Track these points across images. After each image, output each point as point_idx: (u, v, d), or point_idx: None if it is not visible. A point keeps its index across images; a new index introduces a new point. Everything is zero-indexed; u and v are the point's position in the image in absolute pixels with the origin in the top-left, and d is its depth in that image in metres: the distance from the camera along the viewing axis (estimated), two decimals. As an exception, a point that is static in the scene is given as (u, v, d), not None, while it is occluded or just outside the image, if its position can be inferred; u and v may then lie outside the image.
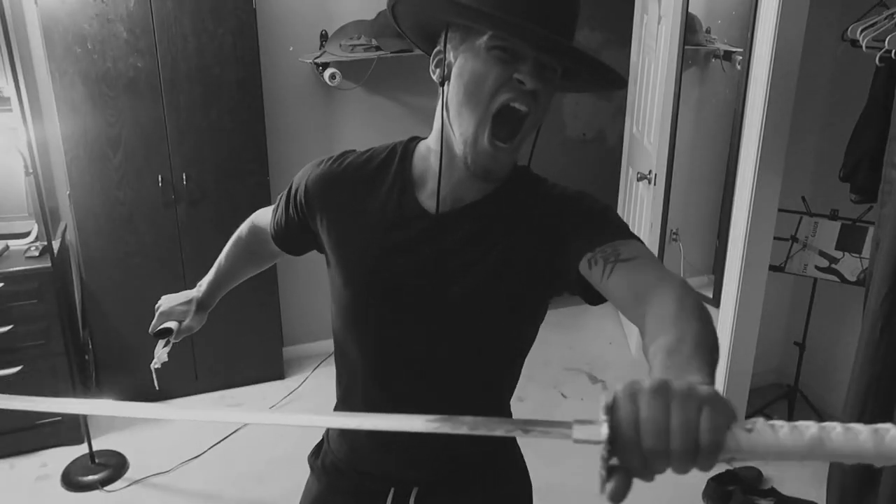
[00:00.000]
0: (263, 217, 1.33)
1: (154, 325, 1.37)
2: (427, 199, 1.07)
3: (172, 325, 1.38)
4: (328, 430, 1.29)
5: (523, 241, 1.04)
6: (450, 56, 1.01)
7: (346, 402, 1.22)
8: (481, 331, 1.09)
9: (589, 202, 1.05)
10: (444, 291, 1.05)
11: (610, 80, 1.03)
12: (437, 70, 1.03)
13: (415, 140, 1.13)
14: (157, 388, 1.45)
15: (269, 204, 3.22)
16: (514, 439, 1.29)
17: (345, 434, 1.22)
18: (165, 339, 1.37)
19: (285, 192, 1.22)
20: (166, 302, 1.39)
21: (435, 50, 1.04)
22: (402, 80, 3.52)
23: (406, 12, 1.05)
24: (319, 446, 1.33)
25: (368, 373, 1.15)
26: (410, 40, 1.12)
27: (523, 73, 0.94)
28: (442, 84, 1.02)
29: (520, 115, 0.97)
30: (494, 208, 1.06)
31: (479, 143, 0.97)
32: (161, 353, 1.39)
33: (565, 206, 1.05)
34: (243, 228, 1.38)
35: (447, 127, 1.03)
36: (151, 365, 1.37)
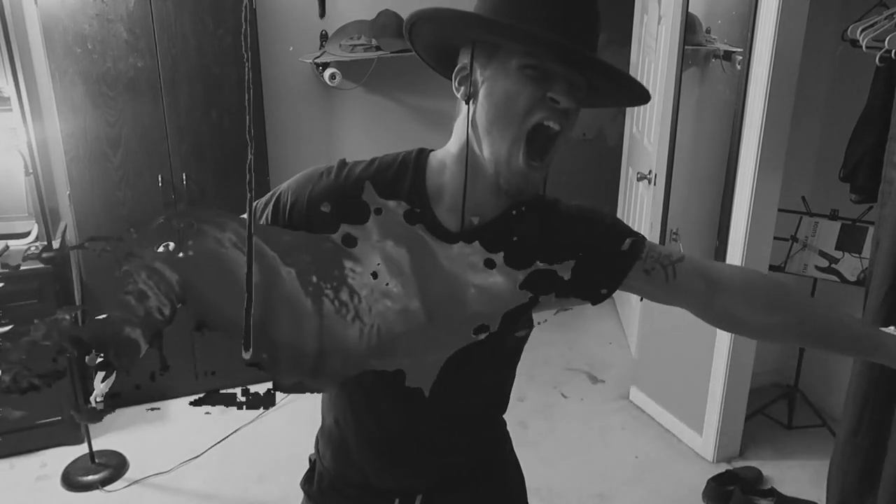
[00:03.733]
0: None
1: (93, 356, 1.18)
2: (445, 215, 1.04)
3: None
4: (323, 453, 1.26)
5: (546, 256, 1.04)
6: (476, 74, 0.99)
7: (345, 426, 1.19)
8: (500, 342, 1.09)
9: (600, 215, 1.12)
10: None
11: (636, 94, 1.03)
12: (462, 88, 1.01)
13: (424, 152, 1.10)
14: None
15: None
16: (509, 441, 1.32)
17: (346, 453, 1.20)
18: (108, 370, 1.13)
19: (269, 205, 1.11)
20: None
21: (458, 66, 1.02)
22: (401, 80, 3.52)
23: (426, 29, 1.02)
24: (311, 472, 1.30)
25: (375, 393, 1.13)
26: (421, 58, 1.09)
27: (557, 92, 0.94)
28: (467, 102, 1.00)
29: (552, 134, 0.97)
30: (514, 224, 1.06)
31: (512, 162, 0.97)
32: (102, 387, 1.17)
33: (584, 220, 1.10)
34: None
35: (473, 145, 1.01)
36: (91, 398, 1.20)
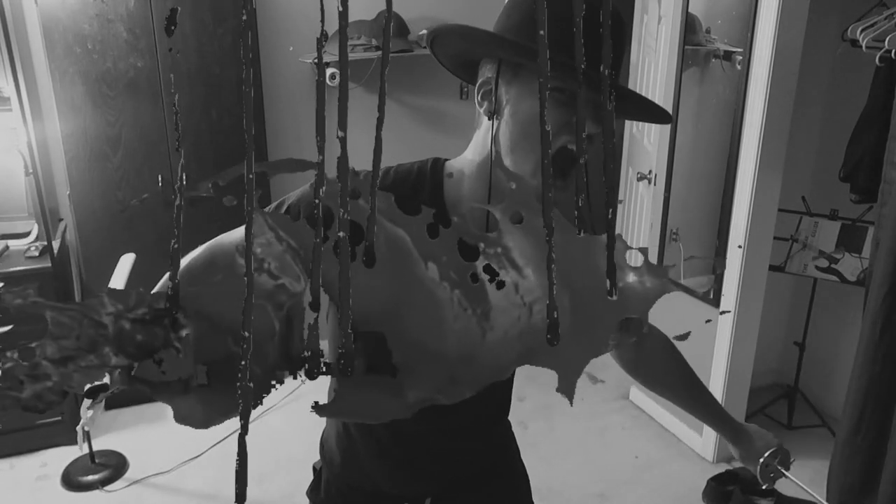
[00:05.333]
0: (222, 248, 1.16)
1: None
2: None
3: (105, 378, 1.11)
4: (330, 460, 1.25)
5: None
6: (501, 90, 0.97)
7: (355, 431, 1.18)
8: None
9: None
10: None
11: (657, 115, 1.04)
12: (485, 103, 1.00)
13: (439, 161, 1.08)
14: (81, 451, 1.11)
15: (267, 203, 3.22)
16: (515, 446, 1.33)
17: (356, 460, 1.20)
18: (97, 396, 1.11)
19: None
20: None
21: (481, 80, 1.00)
22: (402, 80, 3.52)
23: (449, 42, 1.02)
24: (318, 481, 1.29)
25: None
26: (443, 65, 1.08)
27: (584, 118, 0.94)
28: (490, 118, 0.99)
29: (573, 155, 0.96)
30: None
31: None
32: (93, 414, 1.11)
33: None
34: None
35: (497, 160, 1.00)
36: (80, 427, 1.09)
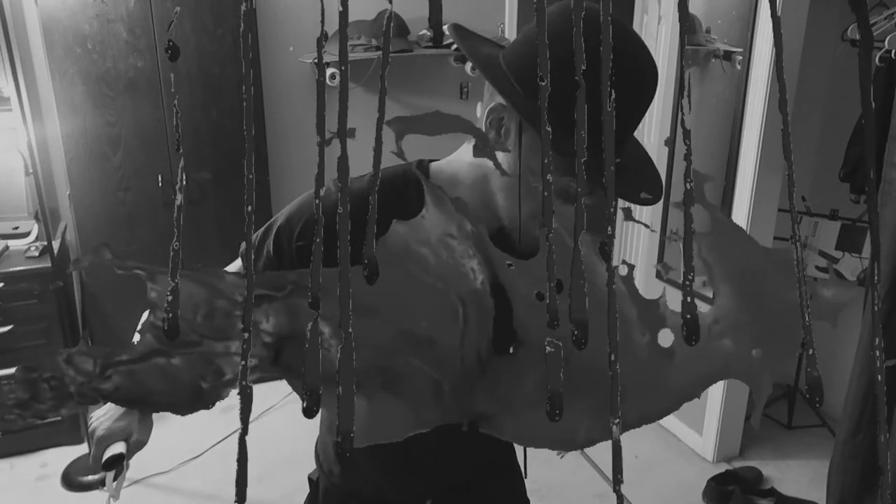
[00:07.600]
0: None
1: (96, 456, 1.10)
2: None
3: (120, 447, 1.09)
4: (329, 469, 1.24)
5: None
6: (510, 129, 0.92)
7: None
8: None
9: None
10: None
11: (650, 190, 0.98)
12: (493, 132, 0.94)
13: (423, 163, 1.04)
14: None
15: (267, 203, 3.19)
16: (512, 447, 1.33)
17: (357, 466, 1.20)
18: (119, 465, 1.08)
19: (268, 242, 1.02)
20: (100, 423, 1.14)
21: (491, 105, 0.94)
22: (402, 80, 3.52)
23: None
24: (315, 492, 1.27)
25: None
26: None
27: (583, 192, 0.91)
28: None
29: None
30: None
31: (526, 227, 0.94)
32: (117, 485, 1.10)
33: None
34: None
35: (492, 178, 0.99)
36: (108, 499, 1.10)
